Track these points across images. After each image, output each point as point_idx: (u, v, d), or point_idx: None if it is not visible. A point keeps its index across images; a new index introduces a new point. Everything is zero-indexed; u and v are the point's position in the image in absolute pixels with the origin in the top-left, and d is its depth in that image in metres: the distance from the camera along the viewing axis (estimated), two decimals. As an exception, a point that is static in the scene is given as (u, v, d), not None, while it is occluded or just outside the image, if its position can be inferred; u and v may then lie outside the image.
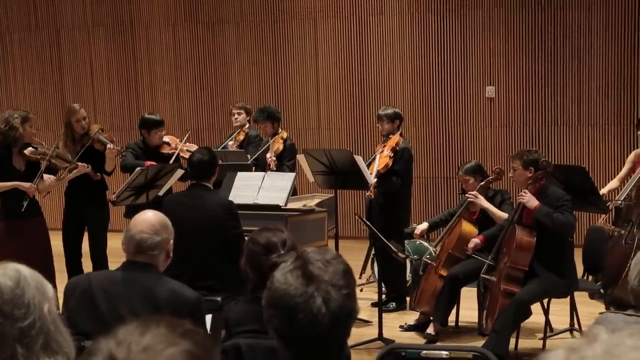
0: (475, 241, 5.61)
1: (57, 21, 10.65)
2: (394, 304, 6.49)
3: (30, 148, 5.78)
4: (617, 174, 6.83)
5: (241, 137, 7.38)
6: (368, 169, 6.42)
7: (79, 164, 5.99)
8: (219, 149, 7.02)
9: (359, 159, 6.25)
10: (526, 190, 5.17)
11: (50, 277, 5.49)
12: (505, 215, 5.58)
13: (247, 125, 7.44)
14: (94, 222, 6.29)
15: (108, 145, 6.13)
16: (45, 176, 5.84)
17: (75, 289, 3.09)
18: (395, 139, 6.51)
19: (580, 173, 5.78)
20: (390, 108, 6.76)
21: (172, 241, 3.14)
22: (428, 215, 9.15)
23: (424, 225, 6.12)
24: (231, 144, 7.28)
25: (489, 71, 8.97)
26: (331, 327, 1.62)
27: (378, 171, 6.38)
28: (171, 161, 6.39)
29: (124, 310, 2.94)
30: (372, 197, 6.32)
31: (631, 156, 6.45)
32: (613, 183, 6.49)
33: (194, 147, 6.81)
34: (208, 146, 6.19)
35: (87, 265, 6.33)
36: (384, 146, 6.53)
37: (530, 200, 5.11)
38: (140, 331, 1.18)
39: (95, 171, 6.16)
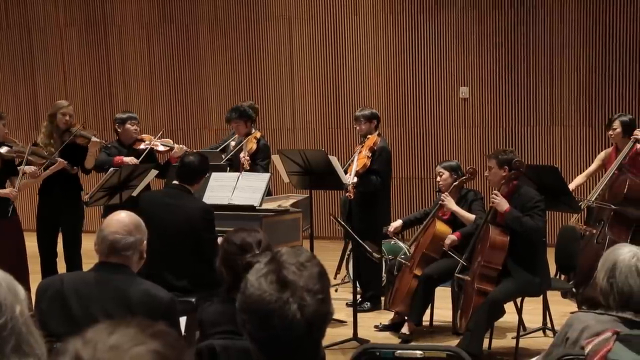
0: (452, 237, 5.65)
1: (29, 20, 10.54)
2: (368, 303, 6.51)
3: (6, 147, 5.75)
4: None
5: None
6: (347, 171, 6.44)
7: (58, 159, 5.97)
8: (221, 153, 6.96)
9: (333, 160, 6.25)
10: (498, 193, 5.21)
11: (24, 278, 5.45)
12: (472, 216, 5.63)
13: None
14: (69, 223, 6.25)
15: (93, 139, 6.12)
16: (27, 167, 5.81)
17: (47, 290, 3.06)
18: (373, 138, 6.54)
19: (552, 173, 5.83)
20: (366, 109, 6.80)
21: (145, 242, 3.12)
22: (402, 215, 9.16)
23: (398, 222, 6.16)
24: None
25: (463, 72, 9.03)
26: (306, 332, 1.62)
27: (357, 171, 6.39)
28: (143, 156, 6.34)
29: (97, 312, 2.91)
30: (352, 197, 6.32)
31: (601, 155, 6.51)
32: (580, 178, 6.55)
33: (169, 142, 6.76)
34: (199, 151, 6.18)
35: (61, 266, 6.27)
36: (362, 146, 6.55)
37: (500, 202, 5.16)
38: (109, 331, 1.17)
39: (72, 165, 6.12)
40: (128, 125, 6.52)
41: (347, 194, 6.31)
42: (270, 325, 1.61)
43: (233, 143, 7.21)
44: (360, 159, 6.47)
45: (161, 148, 6.63)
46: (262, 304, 1.61)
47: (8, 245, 5.63)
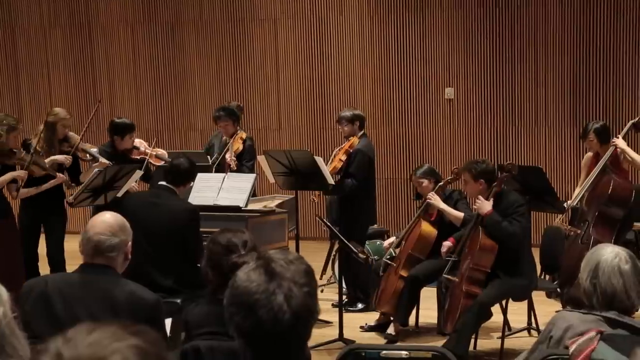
0: (447, 244, 5.62)
1: (13, 21, 10.47)
2: (359, 304, 6.51)
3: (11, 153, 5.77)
4: (573, 174, 6.94)
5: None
6: None
7: (58, 175, 5.96)
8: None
9: (319, 160, 6.25)
10: (480, 197, 5.22)
11: (18, 278, 5.45)
12: (461, 214, 5.63)
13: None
14: (52, 224, 6.21)
15: (101, 160, 6.12)
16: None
17: (31, 291, 3.04)
18: (351, 141, 6.53)
19: (537, 173, 5.85)
20: (349, 110, 6.78)
21: (130, 243, 3.11)
22: (388, 215, 9.20)
23: (392, 239, 6.16)
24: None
25: (448, 73, 9.06)
26: (292, 324, 1.63)
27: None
28: (142, 168, 6.31)
29: (81, 313, 2.90)
30: (316, 201, 6.35)
31: (584, 160, 6.54)
32: (578, 191, 6.56)
33: (164, 155, 6.70)
34: (188, 154, 6.16)
35: (43, 268, 6.23)
36: (340, 149, 6.56)
37: (482, 206, 5.17)
38: (89, 330, 1.19)
39: (71, 181, 6.15)
40: (127, 138, 6.46)
41: (312, 197, 6.35)
42: (257, 317, 1.62)
43: (214, 143, 7.23)
44: (334, 162, 6.48)
45: (156, 162, 6.57)
46: (249, 294, 1.64)
47: (3, 247, 5.64)
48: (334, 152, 6.63)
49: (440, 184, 5.82)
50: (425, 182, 5.87)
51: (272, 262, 1.68)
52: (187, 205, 5.14)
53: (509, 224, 5.10)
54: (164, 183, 5.11)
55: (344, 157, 6.46)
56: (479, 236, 5.17)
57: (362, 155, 6.54)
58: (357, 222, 6.44)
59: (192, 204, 5.33)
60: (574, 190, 6.86)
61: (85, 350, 1.15)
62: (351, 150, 6.48)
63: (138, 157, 6.48)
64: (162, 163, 6.55)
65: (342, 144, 6.82)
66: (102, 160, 6.13)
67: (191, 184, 5.34)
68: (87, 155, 6.18)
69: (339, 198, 6.47)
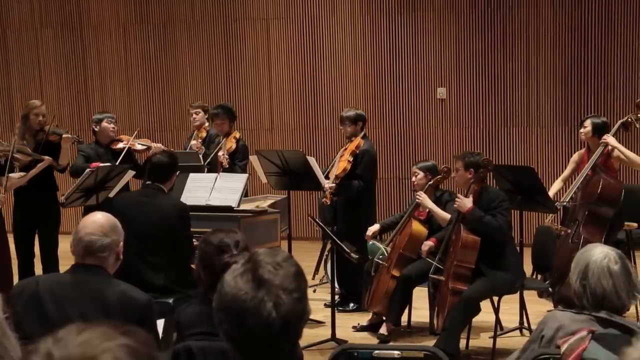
0: (428, 244, 5.66)
1: (4, 21, 10.44)
2: (352, 304, 6.50)
3: None
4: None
5: (203, 135, 7.42)
6: (329, 174, 6.42)
7: (44, 157, 5.94)
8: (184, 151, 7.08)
9: (311, 160, 6.24)
10: (459, 195, 5.26)
11: (9, 279, 5.43)
12: (447, 215, 5.65)
13: (207, 124, 7.50)
14: (45, 224, 6.19)
15: (64, 135, 6.10)
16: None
17: (22, 292, 3.03)
18: (356, 142, 6.47)
19: (528, 173, 5.86)
20: (352, 110, 6.70)
21: (122, 243, 3.11)
22: (379, 216, 9.20)
23: (376, 226, 6.14)
24: (194, 144, 7.27)
25: (440, 73, 9.07)
26: (282, 331, 1.62)
27: (336, 176, 6.36)
28: (121, 156, 6.30)
29: (73, 314, 2.89)
30: (328, 203, 6.31)
31: (574, 157, 6.54)
32: (557, 184, 6.59)
33: (147, 142, 6.72)
34: (170, 150, 6.16)
35: (38, 267, 6.21)
36: (345, 149, 6.51)
37: (462, 203, 5.20)
38: (79, 330, 1.19)
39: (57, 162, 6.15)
40: (105, 124, 6.47)
41: (324, 199, 6.30)
42: (246, 324, 1.61)
43: (194, 142, 7.27)
44: (341, 163, 6.43)
45: (139, 147, 6.59)
46: (237, 302, 1.62)
47: None
48: (339, 153, 6.57)
49: (430, 183, 5.84)
50: (420, 174, 5.88)
51: (260, 267, 1.65)
52: (177, 203, 5.13)
53: (492, 218, 5.13)
54: (149, 182, 5.10)
55: (351, 158, 6.42)
56: (461, 233, 5.20)
57: (369, 156, 6.51)
58: (360, 223, 6.43)
59: (182, 202, 5.33)
60: (554, 182, 6.85)
61: (76, 350, 1.15)
62: (357, 151, 6.45)
63: (121, 147, 6.47)
64: (144, 148, 6.55)
65: (336, 144, 6.81)
66: (65, 135, 6.17)
67: (177, 174, 5.31)
68: (57, 137, 6.18)
69: (344, 199, 6.43)
